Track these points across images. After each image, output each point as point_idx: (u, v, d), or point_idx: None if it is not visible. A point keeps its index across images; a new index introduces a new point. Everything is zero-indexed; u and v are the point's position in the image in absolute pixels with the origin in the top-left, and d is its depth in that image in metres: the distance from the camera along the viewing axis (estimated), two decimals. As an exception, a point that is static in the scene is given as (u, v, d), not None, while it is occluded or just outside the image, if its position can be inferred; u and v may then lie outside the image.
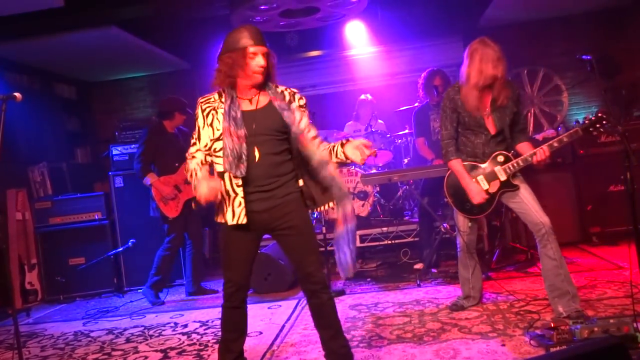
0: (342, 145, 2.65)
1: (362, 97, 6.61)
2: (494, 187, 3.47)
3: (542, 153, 3.34)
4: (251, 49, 2.57)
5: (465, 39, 7.14)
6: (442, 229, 4.88)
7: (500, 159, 3.47)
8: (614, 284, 3.96)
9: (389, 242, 5.63)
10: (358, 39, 6.91)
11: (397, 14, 6.65)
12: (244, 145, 2.57)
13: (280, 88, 2.75)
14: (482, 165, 3.51)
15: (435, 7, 6.45)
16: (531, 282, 4.19)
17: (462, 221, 3.69)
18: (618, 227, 5.19)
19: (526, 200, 3.41)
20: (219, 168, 2.64)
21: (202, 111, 2.68)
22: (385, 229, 5.61)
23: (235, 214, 2.59)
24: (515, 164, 3.42)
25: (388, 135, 6.24)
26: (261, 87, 2.69)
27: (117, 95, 7.82)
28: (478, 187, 3.48)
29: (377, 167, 6.17)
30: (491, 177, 3.47)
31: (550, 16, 6.72)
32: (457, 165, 3.53)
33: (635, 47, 6.71)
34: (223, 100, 2.66)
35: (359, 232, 5.67)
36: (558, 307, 3.31)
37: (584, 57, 3.17)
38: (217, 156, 2.64)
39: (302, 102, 2.75)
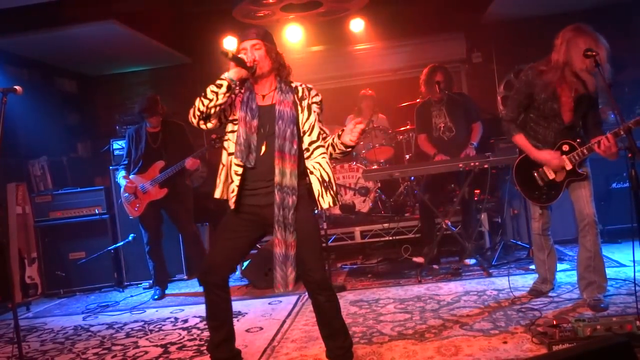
0: (339, 137, 2.69)
1: (363, 91, 6.60)
2: (561, 176, 3.47)
3: (605, 141, 3.17)
4: (241, 45, 2.69)
5: (468, 34, 7.14)
6: (444, 226, 4.86)
7: (565, 147, 3.42)
8: (617, 281, 3.94)
9: (390, 238, 5.61)
10: (360, 34, 6.89)
11: (399, 10, 6.62)
12: (255, 136, 2.64)
13: (295, 84, 2.77)
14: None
15: (438, 3, 6.41)
16: (532, 279, 4.16)
17: (533, 208, 3.74)
18: (620, 225, 5.16)
19: (583, 188, 3.44)
20: (229, 149, 2.71)
21: None
22: (386, 225, 5.59)
23: (229, 198, 2.69)
24: (580, 153, 3.36)
25: (390, 131, 6.22)
26: (275, 83, 2.73)
27: (118, 89, 7.81)
28: (550, 153, 3.42)
29: (378, 163, 6.16)
30: (557, 166, 3.45)
31: (553, 12, 6.67)
32: (521, 139, 3.50)
33: (638, 44, 6.67)
34: (242, 91, 2.73)
35: (360, 228, 5.67)
36: (583, 294, 3.54)
37: (588, 52, 3.14)
38: (227, 138, 2.72)
39: (317, 99, 2.75)
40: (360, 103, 6.56)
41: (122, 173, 5.12)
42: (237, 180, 2.64)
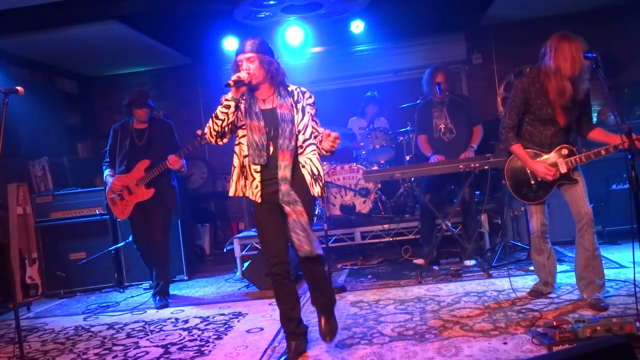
0: (321, 141, 3.01)
1: (369, 94, 6.61)
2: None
3: (601, 153, 3.42)
4: (237, 58, 2.97)
5: (468, 36, 7.15)
6: (444, 227, 4.87)
7: (564, 152, 3.56)
8: (617, 282, 3.95)
9: (390, 239, 5.62)
10: (361, 35, 6.90)
11: (400, 11, 6.63)
12: (264, 136, 2.95)
13: (291, 87, 3.07)
14: (545, 156, 3.60)
15: (439, 4, 6.43)
16: (533, 280, 4.17)
17: (529, 207, 3.83)
18: (620, 226, 5.17)
19: (578, 188, 3.54)
20: (242, 152, 3.03)
21: None
22: (386, 226, 5.59)
23: (253, 193, 3.01)
24: (577, 159, 3.50)
25: (390, 132, 6.23)
26: (273, 87, 3.02)
27: (119, 90, 7.81)
28: (542, 164, 3.55)
29: (379, 164, 6.17)
30: (552, 167, 3.55)
31: (552, 14, 6.69)
32: (519, 149, 3.62)
33: (637, 45, 6.69)
34: (244, 98, 3.00)
35: (360, 229, 5.68)
36: (583, 294, 3.55)
37: (588, 54, 3.17)
38: (240, 142, 3.03)
39: (310, 100, 3.07)
40: (365, 105, 6.58)
41: (107, 171, 4.86)
42: (257, 176, 2.98)
